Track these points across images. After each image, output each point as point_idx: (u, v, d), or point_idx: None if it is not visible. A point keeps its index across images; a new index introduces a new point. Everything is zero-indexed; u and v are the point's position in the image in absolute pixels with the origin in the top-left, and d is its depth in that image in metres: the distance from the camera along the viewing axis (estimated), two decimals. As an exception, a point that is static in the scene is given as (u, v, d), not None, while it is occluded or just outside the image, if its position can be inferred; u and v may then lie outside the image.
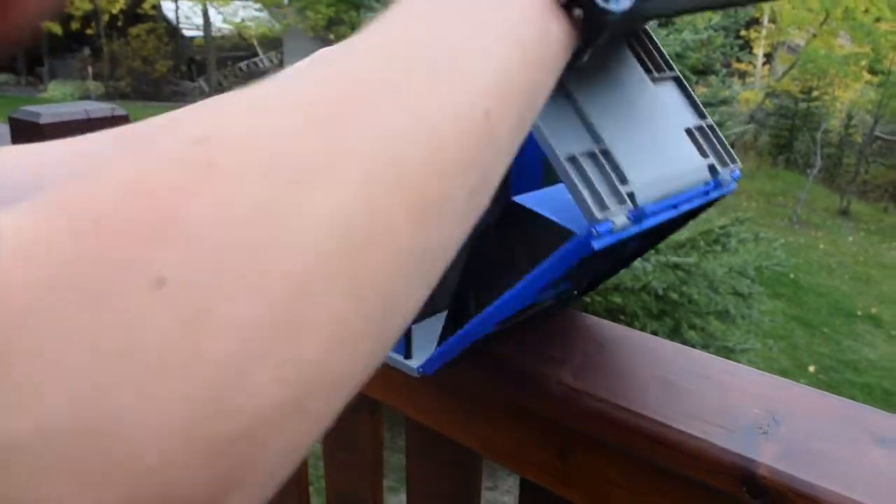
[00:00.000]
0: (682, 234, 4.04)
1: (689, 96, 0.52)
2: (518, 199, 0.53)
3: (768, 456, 0.47)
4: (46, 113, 1.19)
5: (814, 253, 9.73)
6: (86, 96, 16.15)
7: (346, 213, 0.24)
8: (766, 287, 8.02)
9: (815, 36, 13.08)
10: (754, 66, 17.83)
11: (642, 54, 0.50)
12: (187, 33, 20.51)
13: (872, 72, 13.71)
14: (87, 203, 0.21)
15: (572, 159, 0.43)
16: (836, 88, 14.10)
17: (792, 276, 8.58)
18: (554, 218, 0.50)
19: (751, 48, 16.35)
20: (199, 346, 0.19)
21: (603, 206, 0.43)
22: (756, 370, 0.58)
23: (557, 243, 0.47)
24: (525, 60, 0.33)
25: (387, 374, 0.70)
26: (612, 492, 0.57)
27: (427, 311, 0.67)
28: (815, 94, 14.23)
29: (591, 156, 0.44)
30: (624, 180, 0.44)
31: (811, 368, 6.54)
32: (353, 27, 14.04)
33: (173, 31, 20.20)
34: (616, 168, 0.44)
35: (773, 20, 15.29)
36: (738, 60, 14.37)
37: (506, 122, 0.32)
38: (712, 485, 0.50)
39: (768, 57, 17.99)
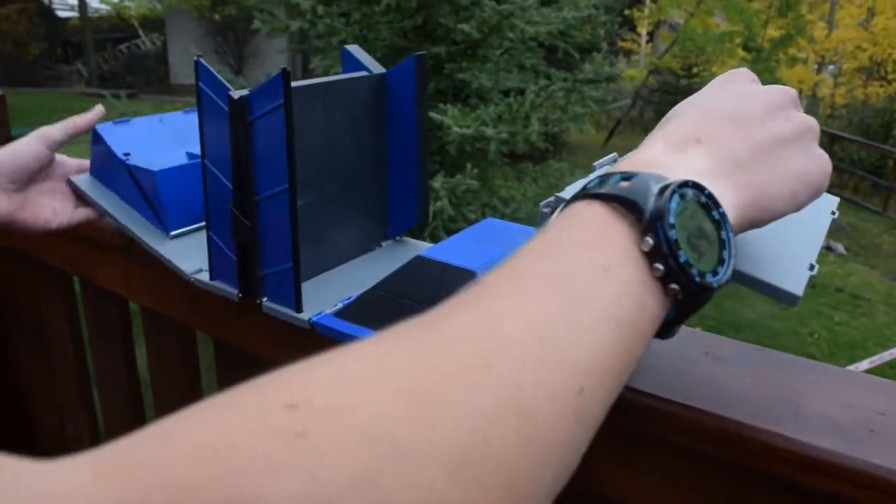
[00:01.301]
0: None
1: None
2: (424, 253, 0.59)
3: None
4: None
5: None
6: (-50, 82, 15.02)
7: (435, 491, 0.23)
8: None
9: (692, 15, 13.66)
10: (639, 45, 18.47)
11: None
12: (61, 14, 19.36)
13: (747, 49, 14.45)
14: (161, 468, 0.20)
15: None
16: (715, 65, 14.80)
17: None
18: (460, 264, 0.57)
19: (635, 27, 16.93)
20: None
21: None
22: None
23: (462, 282, 0.55)
24: (621, 337, 0.32)
25: (282, 338, 0.74)
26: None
27: (315, 270, 0.71)
28: (696, 70, 14.89)
29: None
30: None
31: (697, 329, 6.91)
32: (239, 6, 13.62)
33: (46, 11, 19.03)
34: None
35: (655, 0, 15.86)
36: (623, 39, 14.85)
37: (598, 397, 0.31)
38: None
39: (652, 35, 18.67)
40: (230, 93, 0.59)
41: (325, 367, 0.27)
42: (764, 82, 0.48)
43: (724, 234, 0.36)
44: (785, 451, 0.47)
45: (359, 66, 0.74)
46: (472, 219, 3.68)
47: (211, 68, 0.61)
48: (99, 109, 0.82)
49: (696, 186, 0.36)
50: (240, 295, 0.68)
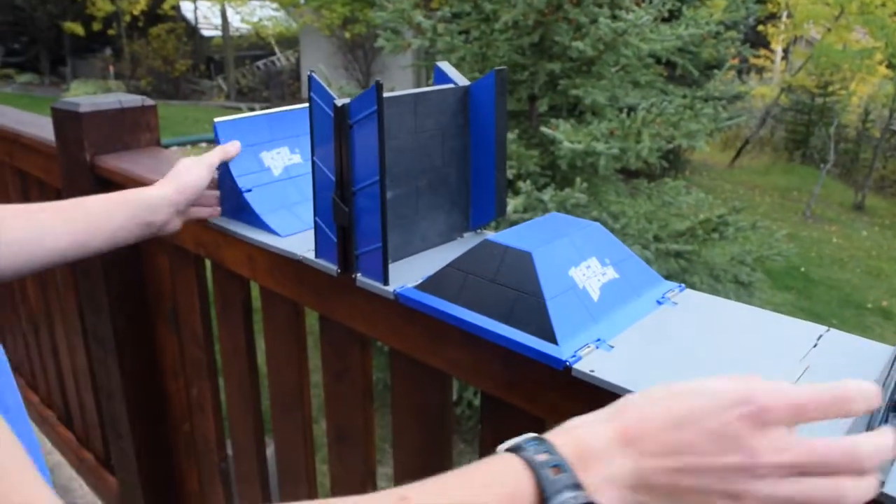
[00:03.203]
0: (682, 224, 4.15)
1: None
2: (491, 237, 0.71)
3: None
4: (85, 103, 1.35)
5: (826, 247, 9.75)
6: (107, 95, 16.36)
7: None
8: (776, 280, 8.09)
9: (829, 30, 13.04)
10: (772, 62, 17.77)
11: None
12: (206, 33, 20.76)
13: (891, 66, 13.63)
14: None
15: None
16: (854, 83, 14.06)
17: (802, 269, 8.63)
18: (519, 247, 0.68)
19: (769, 43, 16.32)
20: None
21: None
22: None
23: (520, 262, 0.66)
24: None
25: (373, 312, 0.85)
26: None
27: (404, 253, 0.83)
28: (831, 89, 14.20)
29: None
30: None
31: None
32: (368, 25, 14.16)
33: (192, 30, 20.47)
34: None
35: (791, 15, 15.25)
36: (756, 56, 14.34)
37: None
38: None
39: (786, 52, 17.93)
40: (335, 101, 0.72)
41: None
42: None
43: None
44: None
45: (448, 80, 0.85)
46: (580, 233, 3.72)
47: (321, 82, 0.74)
48: (236, 145, 0.99)
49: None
50: (339, 270, 0.81)
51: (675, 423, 0.46)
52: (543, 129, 3.86)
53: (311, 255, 0.87)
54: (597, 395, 0.63)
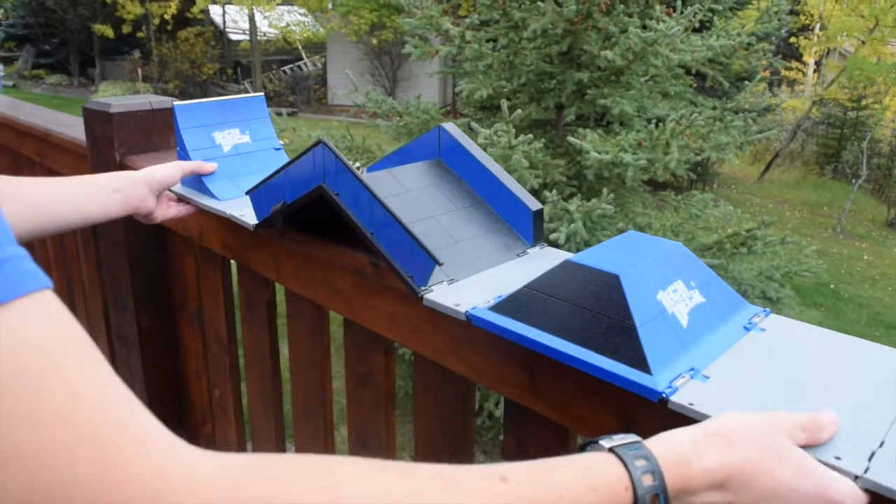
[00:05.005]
0: (709, 237, 4.10)
1: None
2: (573, 258, 0.68)
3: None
4: (116, 104, 1.36)
5: (857, 264, 9.58)
6: (138, 98, 16.56)
7: None
8: (804, 296, 7.96)
9: (863, 43, 12.87)
10: (804, 74, 17.55)
11: None
12: (234, 37, 20.96)
13: (925, 80, 13.39)
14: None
15: None
16: (888, 97, 13.85)
17: (832, 286, 8.49)
18: (606, 268, 0.66)
19: (801, 55, 16.13)
20: None
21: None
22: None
23: (606, 285, 0.64)
24: None
25: (397, 316, 0.84)
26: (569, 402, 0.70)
27: (469, 270, 0.84)
28: (865, 102, 13.99)
29: None
30: None
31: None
32: (396, 32, 14.24)
33: (220, 34, 20.68)
34: None
35: (824, 27, 15.07)
36: (788, 68, 14.16)
37: None
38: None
39: (818, 64, 17.71)
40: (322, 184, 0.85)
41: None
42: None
43: None
44: None
45: (431, 141, 0.95)
46: (605, 243, 3.68)
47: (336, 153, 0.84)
48: (214, 165, 1.17)
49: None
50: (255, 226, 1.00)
51: (775, 495, 0.51)
52: (570, 138, 3.83)
53: (236, 213, 1.05)
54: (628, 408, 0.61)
